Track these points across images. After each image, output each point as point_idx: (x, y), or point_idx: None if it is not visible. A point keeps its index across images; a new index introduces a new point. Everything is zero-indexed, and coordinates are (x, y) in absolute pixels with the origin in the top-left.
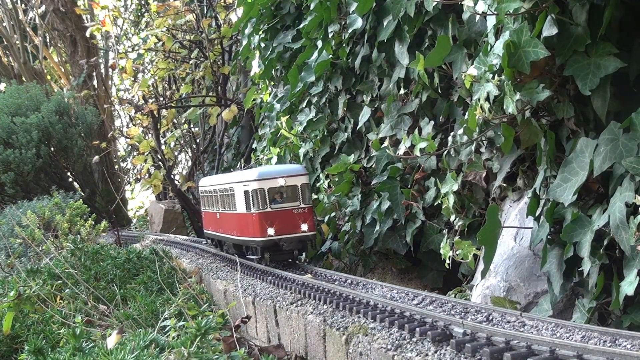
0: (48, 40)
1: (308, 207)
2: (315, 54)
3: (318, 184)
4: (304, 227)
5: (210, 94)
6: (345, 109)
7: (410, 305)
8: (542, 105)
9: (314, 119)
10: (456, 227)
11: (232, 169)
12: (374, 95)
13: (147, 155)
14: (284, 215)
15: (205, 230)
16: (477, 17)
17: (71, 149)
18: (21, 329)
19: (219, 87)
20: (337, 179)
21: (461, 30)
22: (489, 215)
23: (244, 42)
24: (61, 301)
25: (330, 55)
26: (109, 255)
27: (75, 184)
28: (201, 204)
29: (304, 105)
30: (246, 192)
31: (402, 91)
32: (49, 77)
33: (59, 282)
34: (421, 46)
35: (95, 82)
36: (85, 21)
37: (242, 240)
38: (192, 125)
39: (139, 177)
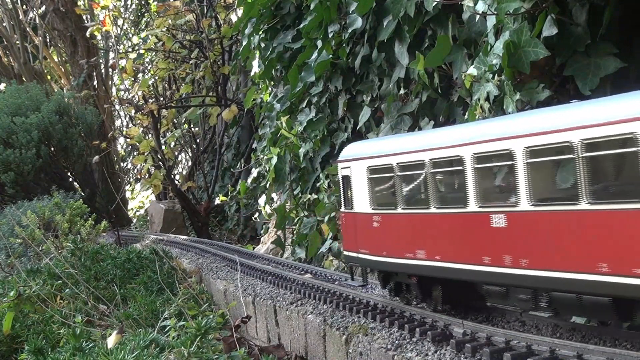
0: (48, 40)
1: None
2: (315, 54)
3: (318, 184)
4: None
5: (210, 94)
6: (345, 109)
7: (410, 305)
8: (542, 105)
9: (314, 119)
10: None
11: (232, 169)
12: (374, 95)
13: (147, 155)
14: None
15: (366, 255)
16: (477, 17)
17: (71, 149)
18: (21, 329)
19: (219, 87)
20: (337, 179)
21: (461, 30)
22: None
23: (244, 42)
24: (61, 301)
25: (330, 55)
26: (109, 255)
27: (75, 184)
28: (352, 196)
29: (304, 105)
30: None
31: (402, 91)
32: (49, 77)
33: (59, 282)
34: (421, 46)
35: (95, 82)
36: (85, 21)
37: None
38: (192, 125)
39: (139, 177)
